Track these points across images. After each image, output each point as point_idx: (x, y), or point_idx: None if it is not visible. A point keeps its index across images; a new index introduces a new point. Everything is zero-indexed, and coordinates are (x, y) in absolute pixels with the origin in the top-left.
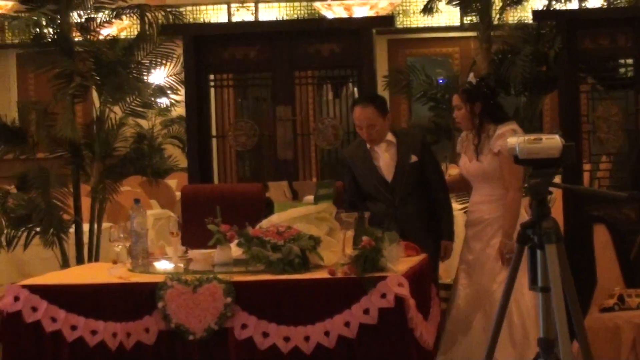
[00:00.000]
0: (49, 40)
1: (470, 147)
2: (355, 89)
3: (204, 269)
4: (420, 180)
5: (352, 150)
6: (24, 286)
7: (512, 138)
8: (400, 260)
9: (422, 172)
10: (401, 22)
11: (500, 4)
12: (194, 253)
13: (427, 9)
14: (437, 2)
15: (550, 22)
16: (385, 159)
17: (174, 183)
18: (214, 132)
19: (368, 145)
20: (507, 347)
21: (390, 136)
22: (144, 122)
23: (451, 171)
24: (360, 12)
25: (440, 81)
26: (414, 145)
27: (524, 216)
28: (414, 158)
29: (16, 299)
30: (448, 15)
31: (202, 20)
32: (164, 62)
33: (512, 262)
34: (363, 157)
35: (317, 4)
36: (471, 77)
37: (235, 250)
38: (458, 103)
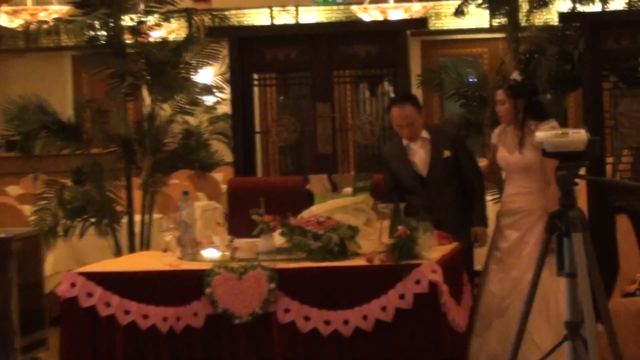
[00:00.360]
0: (103, 42)
1: (510, 139)
2: (390, 88)
3: (248, 257)
4: (454, 174)
5: (389, 148)
6: (80, 273)
7: (540, 132)
8: (433, 249)
9: (455, 166)
10: (433, 24)
11: (527, 6)
12: (239, 242)
13: (458, 12)
14: (467, 5)
15: (575, 24)
16: (420, 155)
17: (220, 176)
18: (257, 129)
19: (405, 143)
20: (543, 326)
21: (424, 133)
22: (191, 119)
23: (480, 163)
24: (395, 15)
25: (470, 80)
26: (447, 141)
27: None
28: (446, 153)
29: (73, 285)
30: (477, 18)
31: (245, 23)
32: (210, 62)
33: (540, 249)
34: (399, 154)
35: (354, 8)
36: (516, 75)
37: (278, 239)
38: (502, 98)
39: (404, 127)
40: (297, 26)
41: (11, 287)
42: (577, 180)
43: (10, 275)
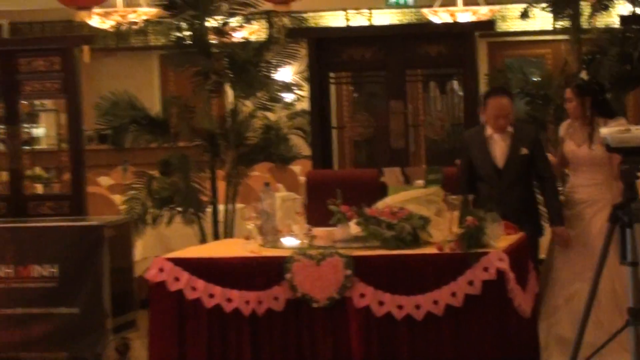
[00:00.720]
0: (189, 42)
1: (578, 134)
2: (459, 86)
3: (326, 244)
4: (526, 171)
5: (471, 134)
6: (168, 259)
7: (604, 129)
8: (500, 238)
9: (529, 164)
10: (500, 26)
11: (589, 9)
12: (317, 230)
13: (524, 15)
14: (532, 8)
15: (635, 26)
16: (500, 147)
17: (298, 169)
18: (334, 124)
19: (487, 133)
20: (612, 309)
21: (509, 127)
22: (271, 115)
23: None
24: (463, 17)
25: (534, 79)
26: (527, 139)
27: None
28: (524, 151)
29: (161, 270)
30: (542, 21)
31: (321, 24)
32: (289, 61)
33: (604, 239)
34: (480, 143)
35: (424, 10)
36: (583, 74)
37: (354, 228)
38: (570, 96)
39: (500, 118)
40: (372, 28)
41: (103, 271)
42: (639, 174)
43: (102, 261)
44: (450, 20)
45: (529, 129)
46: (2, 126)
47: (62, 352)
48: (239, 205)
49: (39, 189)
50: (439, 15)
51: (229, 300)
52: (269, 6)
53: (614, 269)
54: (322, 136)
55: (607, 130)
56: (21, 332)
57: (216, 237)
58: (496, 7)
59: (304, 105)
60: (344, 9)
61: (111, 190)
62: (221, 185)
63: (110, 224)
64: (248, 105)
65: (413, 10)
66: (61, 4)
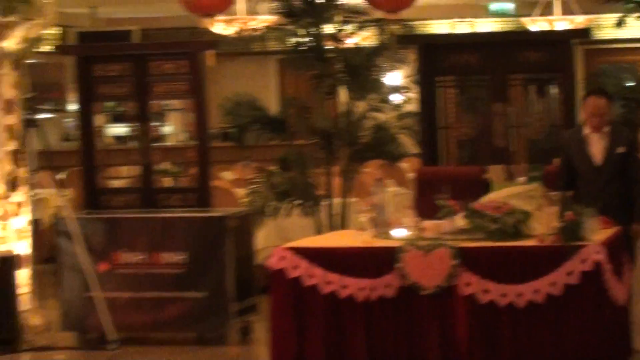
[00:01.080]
0: (307, 47)
1: None
2: (557, 90)
3: (434, 236)
4: (623, 169)
5: (570, 134)
6: (287, 248)
7: None
8: (597, 232)
9: (625, 162)
10: (595, 34)
11: None
12: (426, 223)
13: (619, 24)
14: (626, 17)
15: None
16: (598, 145)
17: (406, 166)
18: (440, 125)
19: (585, 132)
20: None
21: (606, 127)
22: (381, 116)
23: None
24: (560, 25)
25: (628, 84)
26: (624, 139)
27: None
28: (621, 149)
29: (281, 258)
30: (635, 29)
31: (428, 32)
32: (399, 66)
33: None
34: (578, 142)
35: (524, 19)
36: None
37: (460, 221)
38: None
39: (596, 117)
40: (476, 35)
41: (227, 259)
42: None
43: (226, 249)
44: (548, 28)
45: (625, 130)
46: (134, 124)
47: (190, 332)
48: (352, 199)
49: (168, 182)
50: (537, 24)
51: (344, 287)
52: (380, 15)
53: None
54: (430, 136)
55: None
56: (153, 314)
57: (331, 228)
58: (592, 16)
59: (412, 106)
60: (449, 18)
61: (233, 184)
62: (336, 181)
63: (233, 215)
64: (360, 106)
65: (513, 19)
66: (188, 12)
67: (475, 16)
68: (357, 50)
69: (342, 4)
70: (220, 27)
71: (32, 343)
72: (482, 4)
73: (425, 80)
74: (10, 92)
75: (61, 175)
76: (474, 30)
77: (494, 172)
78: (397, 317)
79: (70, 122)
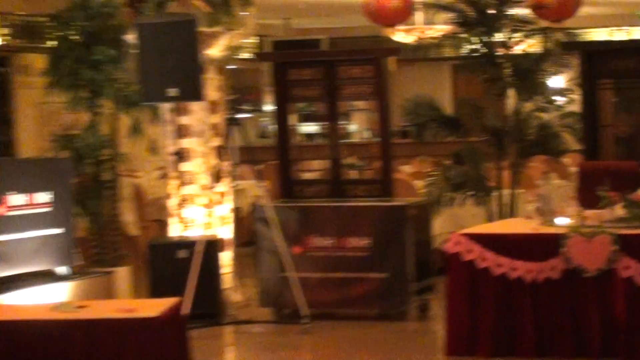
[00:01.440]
0: (479, 54)
1: None
2: None
3: (596, 224)
4: None
5: None
6: (462, 234)
7: None
8: None
9: None
10: None
11: None
12: (588, 212)
13: None
14: None
15: None
16: None
17: (568, 161)
18: (600, 123)
19: None
20: None
21: None
22: (545, 115)
23: None
24: None
25: None
26: None
27: None
28: None
29: (457, 243)
30: None
31: (589, 39)
32: (562, 70)
33: None
34: None
35: None
36: None
37: (619, 211)
38: None
39: None
40: (633, 41)
41: (407, 244)
42: None
43: (406, 235)
44: None
45: None
46: (324, 123)
47: (373, 309)
48: (520, 191)
49: (354, 175)
50: None
51: (514, 269)
52: (545, 24)
53: None
54: (592, 133)
55: None
56: (340, 292)
57: (501, 216)
58: None
59: (574, 107)
60: (608, 27)
61: (412, 176)
62: (505, 174)
63: (413, 205)
64: (527, 106)
65: None
66: (371, 23)
67: (631, 24)
68: (525, 56)
69: (511, 15)
70: (400, 35)
71: (234, 317)
72: (638, 13)
73: (587, 82)
74: (214, 94)
75: (258, 168)
76: (631, 37)
77: None
78: (561, 297)
79: (265, 121)
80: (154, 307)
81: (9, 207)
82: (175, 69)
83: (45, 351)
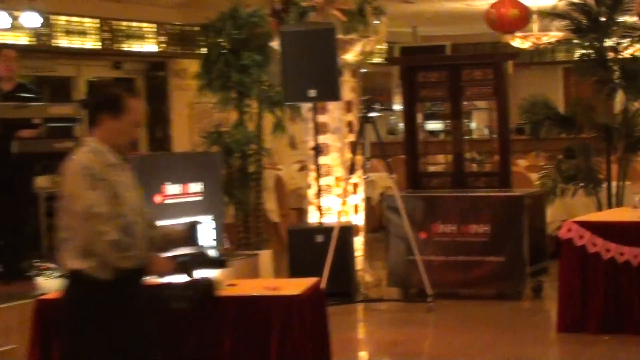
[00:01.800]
0: (590, 58)
1: None
2: None
3: None
4: None
5: None
6: (574, 222)
7: None
8: None
9: None
10: None
11: None
12: None
13: None
14: None
15: None
16: None
17: None
18: None
19: None
20: None
21: None
22: None
23: None
24: None
25: None
26: None
27: None
28: None
29: (569, 230)
30: None
31: None
32: None
33: None
34: None
35: None
36: None
37: None
38: None
39: None
40: None
41: (523, 230)
42: None
43: (522, 222)
44: None
45: None
46: (448, 121)
47: (492, 290)
48: (627, 183)
49: (475, 167)
50: None
51: (621, 254)
52: None
53: None
54: None
55: None
56: (462, 274)
57: (609, 206)
58: None
59: None
60: None
61: (527, 169)
62: (614, 167)
63: (528, 195)
64: (635, 106)
65: None
66: (491, 30)
67: None
68: (633, 59)
69: (621, 22)
70: (518, 41)
71: (366, 295)
72: None
73: None
74: (349, 95)
75: (388, 162)
76: None
77: None
78: None
79: (393, 119)
80: (296, 286)
81: (166, 195)
82: (314, 72)
83: (199, 324)
